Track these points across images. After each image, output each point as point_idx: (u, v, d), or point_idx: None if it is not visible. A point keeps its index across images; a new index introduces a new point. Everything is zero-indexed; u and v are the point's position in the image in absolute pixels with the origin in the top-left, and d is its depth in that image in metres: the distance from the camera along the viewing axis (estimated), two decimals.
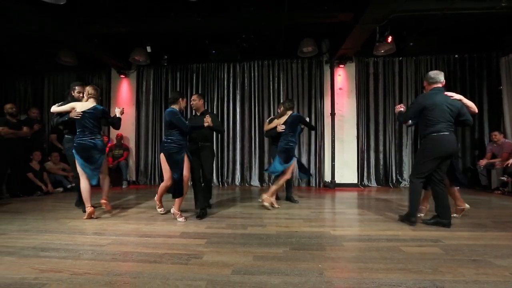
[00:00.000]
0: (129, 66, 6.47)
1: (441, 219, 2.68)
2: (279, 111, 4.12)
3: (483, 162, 5.29)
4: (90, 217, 2.98)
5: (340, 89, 6.01)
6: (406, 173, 6.09)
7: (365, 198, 4.67)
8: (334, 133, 5.92)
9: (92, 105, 3.17)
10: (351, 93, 6.00)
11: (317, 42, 5.55)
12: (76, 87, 3.51)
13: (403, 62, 6.14)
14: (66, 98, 3.58)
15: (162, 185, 3.10)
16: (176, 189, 2.90)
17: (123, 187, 5.97)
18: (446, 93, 2.66)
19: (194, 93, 6.52)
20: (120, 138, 6.29)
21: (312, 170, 6.19)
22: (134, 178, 6.51)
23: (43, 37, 5.03)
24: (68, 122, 3.28)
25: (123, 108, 3.68)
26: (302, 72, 6.28)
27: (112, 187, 5.83)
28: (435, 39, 5.46)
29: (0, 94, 6.78)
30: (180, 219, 2.93)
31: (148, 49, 5.54)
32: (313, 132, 6.21)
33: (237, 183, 6.29)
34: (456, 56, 6.01)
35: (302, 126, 4.08)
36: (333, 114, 5.94)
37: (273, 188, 3.66)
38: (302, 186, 6.14)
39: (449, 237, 2.33)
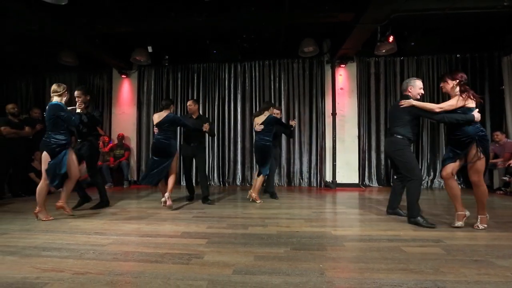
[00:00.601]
0: (130, 66, 6.49)
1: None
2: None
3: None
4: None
5: (341, 89, 6.01)
6: None
7: (366, 198, 4.67)
8: (335, 133, 5.91)
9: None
10: (352, 93, 5.99)
11: (318, 42, 5.55)
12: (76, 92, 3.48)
13: (405, 62, 6.13)
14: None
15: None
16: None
17: (124, 187, 5.99)
18: (401, 101, 2.87)
19: (195, 93, 6.56)
20: (121, 138, 6.30)
21: (313, 170, 6.19)
22: (135, 178, 6.52)
23: (44, 37, 5.05)
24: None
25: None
26: (303, 72, 6.28)
27: (114, 186, 5.89)
28: (437, 39, 5.44)
29: (1, 94, 6.81)
30: None
31: (149, 49, 5.55)
32: (314, 132, 6.21)
33: (238, 183, 6.29)
34: (458, 56, 5.99)
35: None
36: (334, 114, 5.94)
37: (257, 184, 4.08)
38: (303, 186, 6.14)
39: (450, 237, 2.32)
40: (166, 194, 3.45)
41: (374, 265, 1.75)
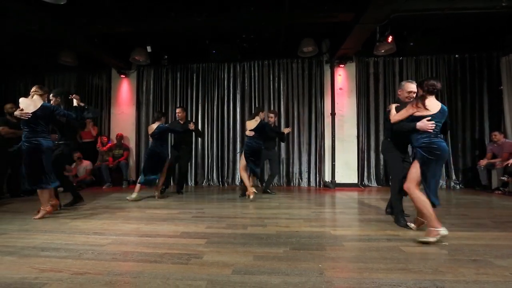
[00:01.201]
0: (129, 66, 6.47)
1: None
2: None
3: (483, 162, 5.29)
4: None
5: (341, 89, 6.01)
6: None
7: (365, 198, 4.67)
8: (335, 133, 5.92)
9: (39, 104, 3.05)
10: (351, 93, 6.00)
11: (317, 42, 5.55)
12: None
13: (404, 62, 6.13)
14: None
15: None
16: None
17: (123, 186, 5.97)
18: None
19: (194, 93, 6.56)
20: (120, 138, 6.29)
21: (312, 170, 6.19)
22: (134, 178, 6.50)
23: (43, 37, 5.04)
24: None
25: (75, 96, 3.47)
26: (302, 72, 6.28)
27: (113, 186, 5.88)
28: (436, 39, 5.45)
29: (0, 94, 6.79)
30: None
31: (149, 49, 5.55)
32: (313, 132, 6.22)
33: (237, 183, 6.29)
34: (457, 56, 6.01)
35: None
36: (333, 114, 5.94)
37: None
38: (303, 186, 6.14)
39: (449, 237, 2.32)
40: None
41: (373, 265, 1.75)
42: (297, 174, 6.24)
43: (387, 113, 2.86)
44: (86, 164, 5.86)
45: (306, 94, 6.27)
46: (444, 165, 5.77)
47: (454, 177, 5.91)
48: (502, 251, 1.99)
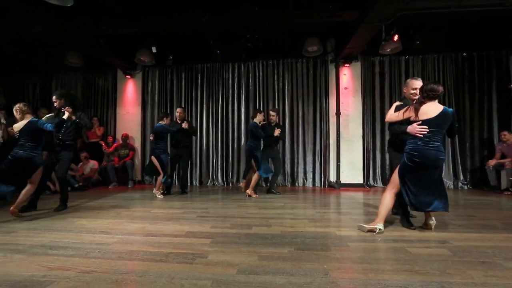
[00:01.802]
0: (134, 67, 6.53)
1: None
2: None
3: (492, 162, 5.20)
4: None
5: (346, 88, 5.97)
6: None
7: (371, 198, 4.63)
8: (339, 133, 5.88)
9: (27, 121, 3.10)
10: (356, 93, 5.95)
11: (322, 42, 5.53)
12: (53, 97, 3.55)
13: (410, 61, 6.06)
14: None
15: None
16: None
17: (129, 186, 6.03)
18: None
19: (199, 93, 6.59)
20: (125, 138, 6.35)
21: (317, 170, 6.17)
22: (139, 178, 6.56)
23: (50, 39, 5.12)
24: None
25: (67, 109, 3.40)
26: (307, 72, 6.26)
27: (118, 186, 5.94)
28: (442, 37, 5.38)
29: (9, 95, 6.91)
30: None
31: (153, 49, 5.59)
32: (318, 132, 6.19)
33: (242, 183, 6.28)
34: (464, 54, 5.91)
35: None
36: (338, 113, 5.91)
37: (252, 183, 4.56)
38: (307, 186, 6.12)
39: (457, 239, 2.29)
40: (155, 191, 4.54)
41: (379, 266, 1.74)
42: (302, 174, 6.22)
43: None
44: (93, 163, 5.93)
45: (311, 93, 6.24)
46: (446, 167, 5.71)
47: (462, 177, 5.82)
48: (511, 253, 1.95)
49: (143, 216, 3.18)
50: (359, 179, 5.84)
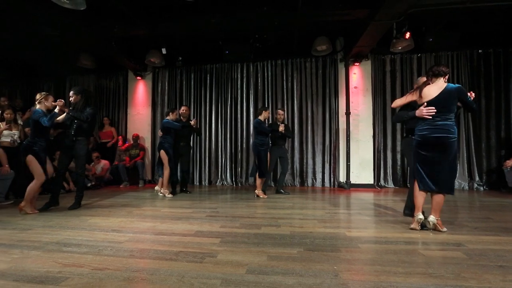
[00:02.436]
0: (145, 68, 6.65)
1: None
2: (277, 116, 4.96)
3: (510, 163, 5.01)
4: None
5: (355, 87, 5.89)
6: None
7: (382, 199, 4.55)
8: (349, 133, 5.81)
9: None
10: (366, 92, 5.86)
11: (331, 40, 5.47)
12: (70, 92, 3.65)
13: (422, 59, 5.91)
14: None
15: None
16: None
17: (140, 185, 6.13)
18: None
19: (208, 93, 6.64)
20: (136, 138, 6.47)
21: (327, 170, 6.11)
22: (150, 177, 6.67)
23: (64, 41, 5.27)
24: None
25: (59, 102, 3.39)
26: (316, 71, 6.21)
27: (129, 185, 6.05)
28: (457, 34, 5.22)
29: (26, 97, 7.16)
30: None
31: (163, 51, 5.67)
32: (327, 132, 6.13)
33: (251, 183, 6.30)
34: (480, 51, 5.72)
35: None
36: (348, 113, 5.83)
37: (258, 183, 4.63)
38: (317, 187, 6.07)
39: (473, 241, 2.22)
40: (158, 188, 4.74)
41: (391, 268, 1.70)
42: (311, 174, 6.17)
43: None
44: (104, 163, 6.06)
45: (320, 93, 6.18)
46: (461, 167, 5.55)
47: (477, 178, 5.64)
48: None
49: (153, 215, 3.23)
50: (370, 180, 5.75)
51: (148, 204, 3.92)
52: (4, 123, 4.40)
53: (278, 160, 5.00)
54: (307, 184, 6.15)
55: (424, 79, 2.74)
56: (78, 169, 3.63)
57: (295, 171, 6.22)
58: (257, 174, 4.52)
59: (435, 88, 2.45)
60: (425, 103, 2.44)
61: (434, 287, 1.46)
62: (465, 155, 5.67)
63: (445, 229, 2.47)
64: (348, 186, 5.68)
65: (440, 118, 2.40)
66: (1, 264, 1.75)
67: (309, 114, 6.20)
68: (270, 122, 4.89)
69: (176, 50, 6.11)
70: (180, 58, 6.36)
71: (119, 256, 1.89)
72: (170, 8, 4.62)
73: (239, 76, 6.52)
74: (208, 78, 6.64)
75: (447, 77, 2.53)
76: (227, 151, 6.50)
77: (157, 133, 6.77)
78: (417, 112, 2.48)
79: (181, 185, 5.11)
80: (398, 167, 5.97)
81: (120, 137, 6.64)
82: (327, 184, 6.08)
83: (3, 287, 1.47)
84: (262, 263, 1.77)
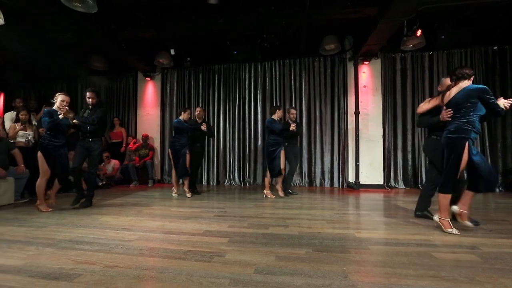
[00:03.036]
0: (154, 69, 6.74)
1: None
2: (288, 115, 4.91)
3: None
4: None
5: (365, 86, 5.80)
6: None
7: (392, 200, 4.47)
8: (358, 132, 5.73)
9: None
10: (376, 91, 5.77)
11: (340, 39, 5.41)
12: (87, 93, 3.73)
13: (434, 57, 5.78)
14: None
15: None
16: None
17: (149, 185, 6.22)
18: None
19: (216, 94, 6.68)
20: (145, 138, 6.57)
21: (336, 171, 6.04)
22: (159, 177, 6.76)
23: (77, 43, 5.40)
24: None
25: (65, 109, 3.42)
26: (325, 70, 6.15)
27: (139, 185, 6.15)
28: (470, 31, 5.07)
29: (39, 98, 7.36)
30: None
31: (172, 52, 5.73)
32: (336, 132, 6.06)
33: (259, 183, 6.30)
34: (495, 48, 5.54)
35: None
36: (357, 112, 5.75)
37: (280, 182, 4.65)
38: (325, 187, 6.01)
39: (488, 244, 2.15)
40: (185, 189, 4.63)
41: (401, 270, 1.67)
42: (320, 175, 6.12)
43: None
44: (114, 162, 6.18)
45: (328, 92, 6.13)
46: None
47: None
48: None
49: (162, 214, 3.27)
50: (379, 180, 5.65)
51: (157, 204, 3.97)
52: (19, 123, 4.55)
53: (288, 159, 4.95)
54: (316, 184, 6.11)
55: (448, 80, 2.70)
56: (91, 168, 3.71)
57: (303, 172, 6.18)
58: (267, 173, 4.55)
59: (455, 89, 2.44)
60: (445, 106, 2.49)
61: None
62: None
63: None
64: (358, 187, 5.61)
65: (453, 118, 2.41)
66: (18, 261, 1.81)
67: (318, 113, 6.15)
68: (283, 121, 4.84)
69: (184, 51, 6.17)
70: (188, 58, 6.42)
71: (129, 254, 1.93)
72: (178, 9, 4.67)
73: (247, 76, 6.53)
74: (216, 78, 6.68)
75: (472, 79, 2.48)
76: (235, 151, 6.52)
77: (166, 133, 6.89)
78: (441, 116, 2.55)
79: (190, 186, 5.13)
80: (409, 167, 5.86)
81: (133, 139, 6.73)
82: (336, 184, 6.02)
83: (19, 283, 1.51)
84: (270, 263, 1.76)
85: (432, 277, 1.58)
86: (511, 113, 5.46)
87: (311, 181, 6.16)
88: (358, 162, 5.69)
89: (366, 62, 5.72)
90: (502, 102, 2.39)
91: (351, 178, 5.81)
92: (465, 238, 2.33)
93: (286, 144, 4.70)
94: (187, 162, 4.53)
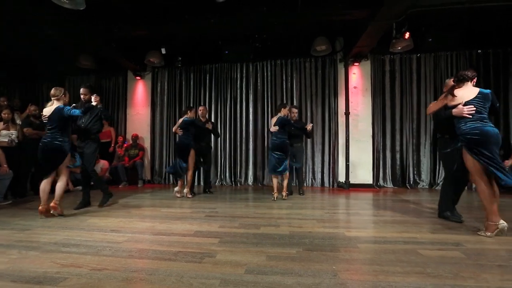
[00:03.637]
0: (144, 68, 6.64)
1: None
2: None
3: (508, 162, 5.02)
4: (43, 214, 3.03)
5: (355, 87, 5.89)
6: (425, 174, 5.88)
7: (380, 199, 4.56)
8: (349, 133, 5.81)
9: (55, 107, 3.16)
10: (366, 92, 5.87)
11: (330, 40, 5.47)
12: (81, 89, 3.67)
13: (422, 59, 5.92)
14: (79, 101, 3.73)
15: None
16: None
17: (139, 186, 6.12)
18: None
19: (207, 93, 6.64)
20: (135, 138, 6.46)
21: (326, 170, 6.11)
22: (149, 177, 6.66)
23: (63, 41, 5.26)
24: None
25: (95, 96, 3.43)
26: (316, 71, 6.21)
27: (128, 185, 6.05)
28: (456, 34, 5.23)
29: (24, 96, 7.14)
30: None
31: (163, 51, 5.66)
32: (327, 132, 6.13)
33: (250, 183, 6.30)
34: (479, 51, 5.72)
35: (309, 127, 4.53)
36: (347, 113, 5.83)
37: (285, 183, 4.40)
38: (316, 187, 6.07)
39: (471, 241, 2.23)
40: (185, 190, 4.46)
41: (389, 267, 1.70)
42: (310, 174, 6.17)
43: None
44: (103, 163, 6.05)
45: (319, 93, 6.18)
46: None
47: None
48: None
49: (152, 215, 3.23)
50: (369, 180, 5.75)
51: (147, 204, 3.92)
52: (2, 123, 4.40)
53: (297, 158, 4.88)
54: (307, 184, 6.15)
55: (452, 81, 2.81)
56: (89, 168, 3.59)
57: (294, 171, 6.20)
58: (287, 173, 4.38)
59: (469, 90, 2.52)
60: (463, 102, 2.47)
61: (432, 286, 1.46)
62: None
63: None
64: (347, 186, 5.69)
65: (484, 117, 2.46)
66: None
67: (309, 114, 6.20)
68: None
69: (176, 50, 6.11)
70: (180, 58, 6.36)
71: (118, 257, 1.89)
72: (170, 8, 4.61)
73: (238, 76, 6.51)
74: (207, 78, 6.64)
75: (474, 80, 2.58)
76: (226, 151, 6.50)
77: (157, 133, 6.80)
78: (455, 111, 2.50)
79: (204, 186, 5.15)
80: (397, 167, 5.98)
81: (120, 137, 6.61)
82: (326, 184, 6.09)
83: None
84: (261, 263, 1.77)
85: (418, 273, 1.62)
86: (503, 116, 5.61)
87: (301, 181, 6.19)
88: (348, 162, 5.77)
89: (356, 64, 5.81)
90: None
91: (341, 178, 5.89)
92: (450, 235, 2.40)
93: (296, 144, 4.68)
94: (190, 162, 4.44)
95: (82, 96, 3.61)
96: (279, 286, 1.47)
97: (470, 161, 2.46)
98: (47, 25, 4.60)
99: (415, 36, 4.98)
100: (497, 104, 2.57)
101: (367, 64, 5.87)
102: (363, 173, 5.77)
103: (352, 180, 5.74)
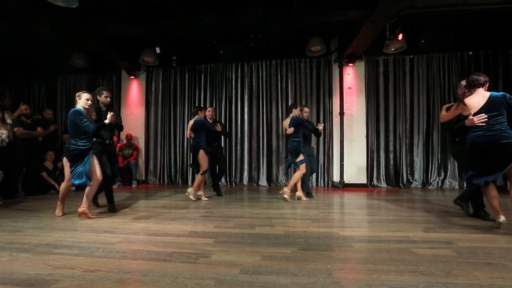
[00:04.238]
0: (138, 67, 6.58)
1: None
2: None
3: None
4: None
5: (349, 88, 5.94)
6: (418, 174, 5.97)
7: (374, 198, 4.60)
8: (343, 133, 5.86)
9: None
10: (360, 92, 5.92)
11: (325, 41, 5.51)
12: (104, 92, 3.43)
13: (414, 60, 6.01)
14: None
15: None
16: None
17: (133, 186, 6.07)
18: None
19: (202, 93, 6.62)
20: (129, 138, 6.40)
21: (321, 170, 6.14)
22: (143, 178, 6.61)
23: (56, 39, 5.17)
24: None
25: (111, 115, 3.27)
26: (311, 72, 6.24)
27: (122, 186, 5.98)
28: (448, 36, 5.32)
29: (15, 95, 7.01)
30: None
31: (157, 50, 5.62)
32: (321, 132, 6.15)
33: (245, 183, 6.30)
34: (470, 53, 5.83)
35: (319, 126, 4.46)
36: (342, 113, 5.88)
37: (292, 182, 4.16)
38: (311, 187, 6.08)
39: (462, 239, 2.27)
40: (188, 190, 4.21)
41: (382, 266, 1.72)
42: None
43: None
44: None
45: (314, 93, 6.22)
46: (452, 167, 5.68)
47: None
48: None
49: (146, 215, 3.20)
50: (363, 179, 5.80)
51: (141, 205, 3.88)
52: None
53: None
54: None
55: (463, 82, 2.88)
56: (115, 171, 3.54)
57: (289, 171, 6.22)
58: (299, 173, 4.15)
59: (479, 98, 2.58)
60: (472, 113, 2.54)
61: (425, 284, 1.48)
62: None
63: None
64: (342, 186, 5.73)
65: (495, 123, 2.49)
66: None
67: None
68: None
69: (170, 49, 6.06)
70: (174, 57, 6.30)
71: (111, 258, 1.87)
72: (165, 7, 4.59)
73: (233, 76, 6.51)
74: (202, 77, 6.62)
75: (487, 85, 2.64)
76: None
77: (151, 133, 6.74)
78: (467, 122, 2.59)
79: (215, 188, 4.84)
80: (391, 167, 6.05)
81: (114, 137, 6.53)
82: (321, 184, 6.13)
83: None
84: (256, 263, 1.77)
85: (411, 272, 1.64)
86: None
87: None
88: (343, 162, 5.82)
89: (351, 64, 5.86)
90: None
91: (336, 178, 5.93)
92: (442, 234, 2.43)
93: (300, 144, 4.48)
94: (202, 163, 4.20)
95: (108, 99, 3.40)
96: (274, 286, 1.47)
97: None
98: (40, 24, 4.53)
99: (408, 37, 5.06)
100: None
101: (361, 65, 5.93)
102: (357, 173, 5.82)
103: (347, 180, 5.79)
